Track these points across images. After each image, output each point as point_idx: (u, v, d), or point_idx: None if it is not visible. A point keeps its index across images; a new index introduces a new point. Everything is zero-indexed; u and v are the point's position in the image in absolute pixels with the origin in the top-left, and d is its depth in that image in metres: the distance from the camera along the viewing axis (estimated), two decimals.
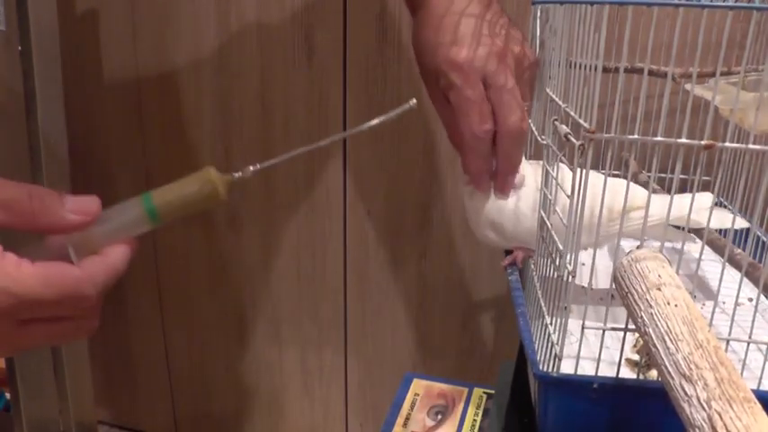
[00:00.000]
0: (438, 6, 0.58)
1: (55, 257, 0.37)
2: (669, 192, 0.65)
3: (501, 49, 0.56)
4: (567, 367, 0.46)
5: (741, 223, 0.60)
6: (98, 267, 0.38)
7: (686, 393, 0.30)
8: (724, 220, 0.61)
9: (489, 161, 0.58)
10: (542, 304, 0.51)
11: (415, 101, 0.49)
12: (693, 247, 0.72)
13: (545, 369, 0.46)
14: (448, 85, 0.57)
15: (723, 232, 0.71)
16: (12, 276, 0.35)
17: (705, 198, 0.62)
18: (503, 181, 0.59)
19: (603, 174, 0.43)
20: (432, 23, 0.58)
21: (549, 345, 0.47)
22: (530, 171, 0.61)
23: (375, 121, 0.44)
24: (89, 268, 0.37)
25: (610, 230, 0.56)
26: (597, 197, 0.44)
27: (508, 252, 0.65)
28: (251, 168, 0.44)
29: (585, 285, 0.61)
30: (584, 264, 0.65)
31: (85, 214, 0.38)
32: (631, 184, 0.60)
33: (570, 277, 0.44)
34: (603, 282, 0.64)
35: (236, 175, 0.43)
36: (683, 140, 0.41)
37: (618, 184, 0.52)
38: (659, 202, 0.48)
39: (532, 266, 0.59)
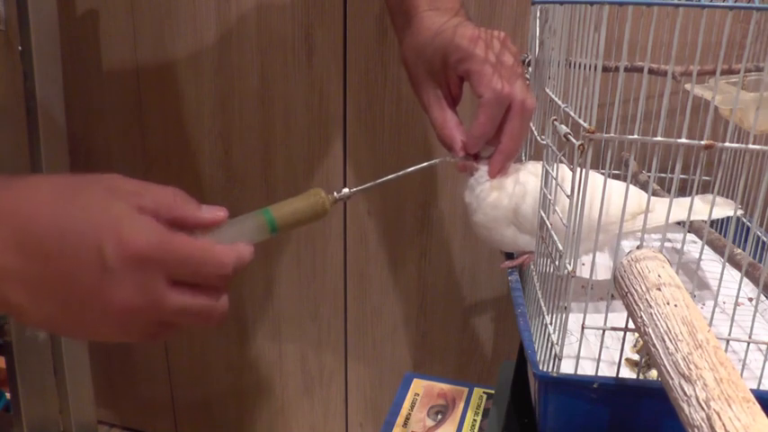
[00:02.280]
0: (431, 18, 0.62)
1: None
2: (669, 192, 0.65)
3: (502, 36, 0.59)
4: (567, 367, 0.46)
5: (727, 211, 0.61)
6: (232, 249, 0.42)
7: (685, 393, 0.30)
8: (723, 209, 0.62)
9: (494, 128, 0.59)
10: (542, 304, 0.51)
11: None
12: (693, 247, 0.72)
13: (545, 369, 0.46)
14: (464, 57, 0.58)
15: (723, 232, 0.71)
16: (168, 235, 0.39)
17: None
18: (501, 162, 0.60)
19: (603, 173, 0.43)
20: (430, 28, 0.61)
21: (549, 345, 0.47)
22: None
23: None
24: (226, 246, 0.43)
25: (626, 230, 0.57)
26: (611, 202, 0.44)
27: (508, 255, 0.65)
28: (348, 190, 0.52)
29: (586, 281, 0.61)
30: (584, 264, 0.65)
31: (215, 215, 0.43)
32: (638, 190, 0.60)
33: (570, 277, 0.44)
34: (603, 275, 0.64)
35: (337, 195, 0.51)
36: (683, 140, 0.41)
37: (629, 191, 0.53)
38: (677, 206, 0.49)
39: (532, 266, 0.59)
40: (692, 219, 0.58)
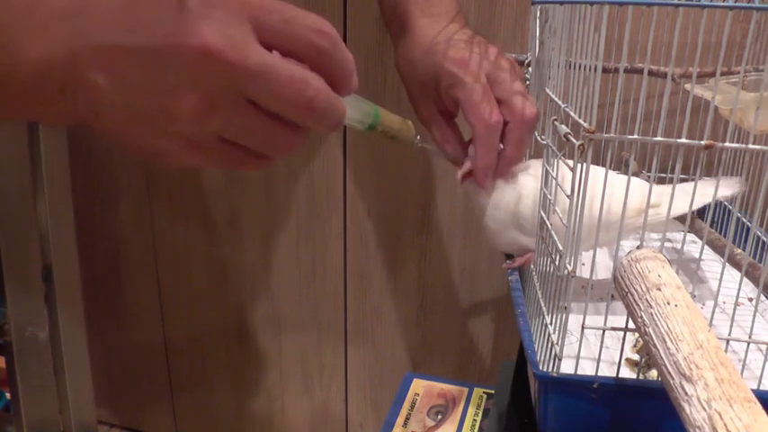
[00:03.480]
0: (424, 29, 0.62)
1: None
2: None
3: (495, 50, 0.59)
4: (567, 367, 0.46)
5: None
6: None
7: (686, 393, 0.30)
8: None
9: (497, 154, 0.59)
10: (542, 304, 0.51)
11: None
12: (693, 247, 0.72)
13: (545, 369, 0.46)
14: (453, 84, 0.58)
15: (723, 232, 0.71)
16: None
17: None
18: (506, 167, 0.60)
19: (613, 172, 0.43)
20: (422, 42, 0.61)
21: (549, 345, 0.47)
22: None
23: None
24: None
25: (629, 227, 0.57)
26: (613, 198, 0.44)
27: (509, 255, 0.65)
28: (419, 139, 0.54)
29: (586, 281, 0.61)
30: (584, 264, 0.65)
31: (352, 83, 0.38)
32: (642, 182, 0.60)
33: (570, 278, 0.44)
34: (603, 275, 0.64)
35: (417, 137, 0.54)
36: (683, 140, 0.41)
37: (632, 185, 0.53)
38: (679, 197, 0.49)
39: (532, 266, 0.59)
40: (699, 201, 0.58)
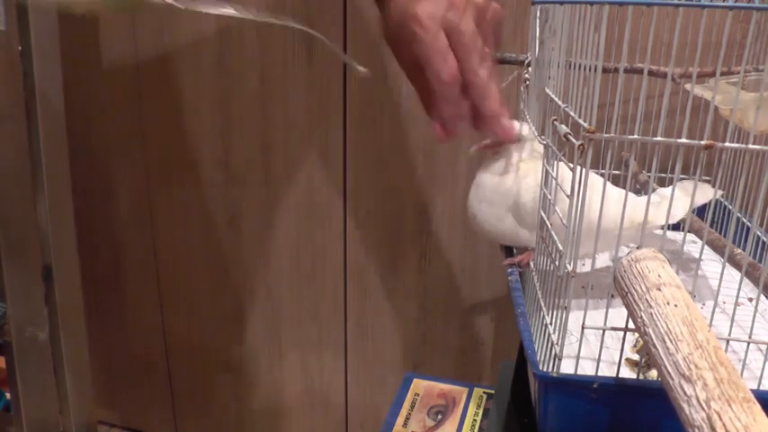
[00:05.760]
0: None
1: None
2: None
3: (460, 1, 0.57)
4: (567, 367, 0.46)
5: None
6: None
7: (686, 393, 0.30)
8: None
9: (460, 106, 0.58)
10: (542, 304, 0.51)
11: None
12: (693, 247, 0.72)
13: (545, 369, 0.46)
14: (410, 38, 0.57)
15: (723, 232, 0.71)
16: None
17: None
18: (494, 124, 0.59)
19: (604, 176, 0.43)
20: (399, 3, 0.60)
21: (549, 345, 0.47)
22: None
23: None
24: None
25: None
26: (609, 210, 0.45)
27: (509, 253, 0.65)
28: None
29: (586, 281, 0.61)
30: (584, 264, 0.65)
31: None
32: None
33: (570, 278, 0.44)
34: (603, 274, 0.64)
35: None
36: (683, 140, 0.41)
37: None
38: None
39: (532, 266, 0.59)
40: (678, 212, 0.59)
